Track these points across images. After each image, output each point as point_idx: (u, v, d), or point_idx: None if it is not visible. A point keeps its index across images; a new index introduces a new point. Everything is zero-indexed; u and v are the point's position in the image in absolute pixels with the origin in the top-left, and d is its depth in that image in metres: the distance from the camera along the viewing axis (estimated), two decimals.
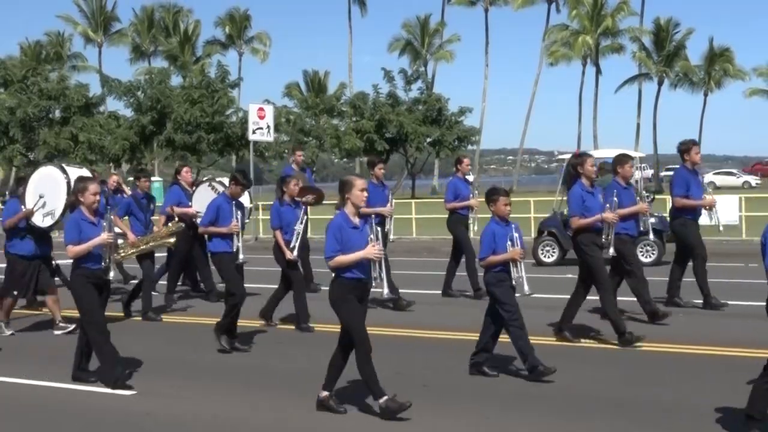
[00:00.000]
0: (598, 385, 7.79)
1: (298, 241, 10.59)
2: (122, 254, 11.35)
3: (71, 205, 8.59)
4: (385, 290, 6.94)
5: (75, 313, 12.22)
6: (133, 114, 44.24)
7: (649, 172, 59.78)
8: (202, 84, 43.54)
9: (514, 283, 7.85)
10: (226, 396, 7.58)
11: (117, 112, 47.39)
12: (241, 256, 9.74)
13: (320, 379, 8.22)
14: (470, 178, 43.27)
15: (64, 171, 10.14)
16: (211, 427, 6.90)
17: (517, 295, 7.93)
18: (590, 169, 9.43)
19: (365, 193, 6.76)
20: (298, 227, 10.65)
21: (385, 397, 6.62)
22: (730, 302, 11.55)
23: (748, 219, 20.51)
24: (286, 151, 42.74)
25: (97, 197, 7.89)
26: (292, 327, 10.79)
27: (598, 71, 62.91)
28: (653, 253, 16.55)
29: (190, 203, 12.92)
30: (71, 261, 7.92)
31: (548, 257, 17.51)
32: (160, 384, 8.15)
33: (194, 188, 13.28)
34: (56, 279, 12.09)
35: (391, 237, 12.46)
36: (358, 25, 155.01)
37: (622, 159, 10.42)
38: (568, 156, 15.45)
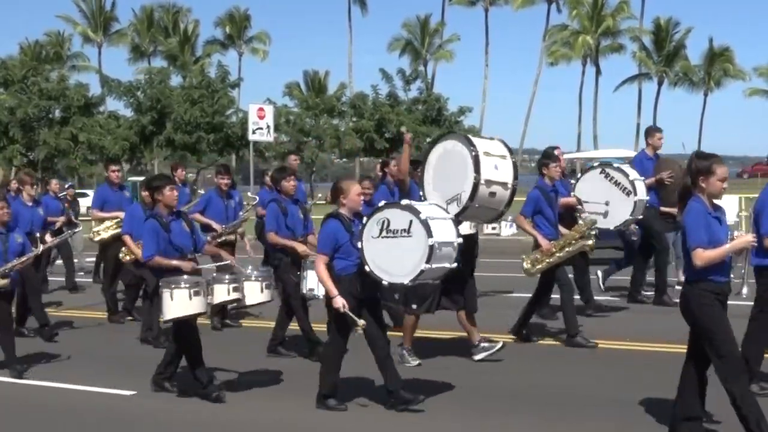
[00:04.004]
0: (599, 385, 7.78)
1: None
2: (538, 266, 9.50)
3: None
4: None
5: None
6: (132, 114, 44.26)
7: None
8: (202, 84, 43.57)
9: None
10: (226, 396, 7.57)
11: (117, 112, 47.44)
12: None
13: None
14: None
15: (470, 144, 7.93)
16: (212, 427, 6.90)
17: None
18: None
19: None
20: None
21: None
22: (731, 302, 11.53)
23: (749, 219, 20.47)
24: (287, 151, 42.74)
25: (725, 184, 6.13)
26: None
27: (598, 71, 63.00)
28: None
29: (572, 195, 10.56)
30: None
31: None
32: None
33: (579, 176, 11.06)
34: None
35: None
36: (358, 25, 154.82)
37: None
38: (571, 156, 15.26)
